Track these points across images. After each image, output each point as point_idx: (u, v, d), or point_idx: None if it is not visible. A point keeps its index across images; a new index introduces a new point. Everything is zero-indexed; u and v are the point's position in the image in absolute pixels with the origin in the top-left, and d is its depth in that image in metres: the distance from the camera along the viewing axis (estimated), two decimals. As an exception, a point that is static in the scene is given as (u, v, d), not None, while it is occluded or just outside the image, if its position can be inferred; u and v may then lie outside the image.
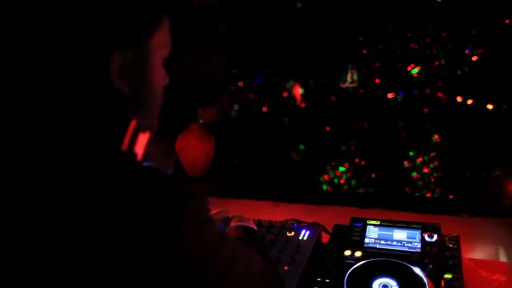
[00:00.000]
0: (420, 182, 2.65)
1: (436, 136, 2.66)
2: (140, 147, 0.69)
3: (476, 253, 1.35)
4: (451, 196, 2.46)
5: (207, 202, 0.69)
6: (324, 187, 2.76)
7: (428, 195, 2.57)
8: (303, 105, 2.93)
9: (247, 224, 1.09)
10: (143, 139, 0.70)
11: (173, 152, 0.79)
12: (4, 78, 0.66)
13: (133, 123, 0.69)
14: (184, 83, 2.46)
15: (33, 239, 0.61)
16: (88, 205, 0.60)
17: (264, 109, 3.01)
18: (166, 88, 0.79)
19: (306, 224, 1.35)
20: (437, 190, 2.60)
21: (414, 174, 2.67)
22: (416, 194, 2.60)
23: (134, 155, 0.69)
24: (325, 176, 2.81)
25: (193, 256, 0.64)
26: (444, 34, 2.52)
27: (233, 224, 1.10)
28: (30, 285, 0.61)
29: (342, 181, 2.78)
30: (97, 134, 0.67)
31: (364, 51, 2.74)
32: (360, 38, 2.69)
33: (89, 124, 0.66)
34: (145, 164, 0.71)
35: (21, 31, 0.63)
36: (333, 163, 2.83)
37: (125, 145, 0.67)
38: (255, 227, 1.11)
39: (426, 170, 2.66)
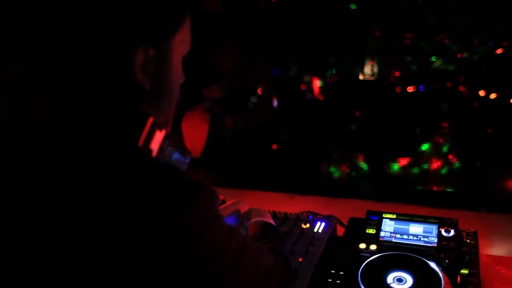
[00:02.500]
0: (437, 177, 2.62)
1: (455, 130, 2.62)
2: (155, 144, 0.70)
3: (494, 249, 1.33)
4: (469, 191, 2.42)
5: (216, 197, 0.69)
6: (338, 178, 2.75)
7: (446, 190, 2.54)
8: (321, 97, 2.92)
9: (266, 219, 1.09)
10: (159, 136, 0.71)
11: (188, 150, 0.80)
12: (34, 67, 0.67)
13: (151, 120, 0.69)
14: (188, 65, 2.47)
15: (37, 228, 0.62)
16: (97, 197, 0.62)
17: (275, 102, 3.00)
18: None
19: (322, 217, 1.35)
20: (455, 185, 2.56)
21: (428, 167, 2.64)
22: (434, 188, 2.57)
23: (150, 151, 0.70)
24: (343, 168, 2.80)
25: (199, 250, 0.64)
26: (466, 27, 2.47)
27: (253, 219, 1.10)
28: (36, 277, 0.63)
29: (357, 174, 2.77)
30: (117, 126, 0.68)
31: (384, 44, 2.71)
32: (378, 34, 2.66)
33: (111, 115, 0.68)
34: (159, 161, 0.72)
35: (56, 19, 0.64)
36: (349, 156, 2.81)
37: (141, 141, 0.68)
38: (273, 222, 1.11)
39: (445, 165, 2.63)
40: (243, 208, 1.20)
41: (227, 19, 2.61)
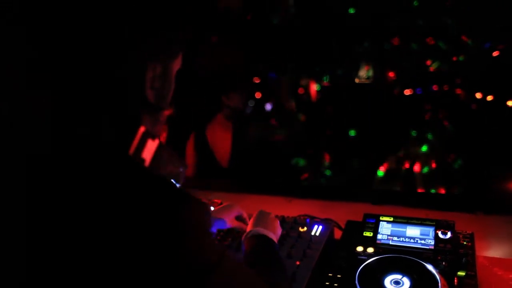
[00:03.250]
0: (433, 179, 2.62)
1: (452, 132, 2.63)
2: (148, 153, 0.72)
3: (491, 251, 1.33)
4: (466, 193, 2.42)
5: (208, 212, 0.70)
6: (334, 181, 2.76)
7: (443, 192, 2.54)
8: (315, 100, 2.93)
9: (265, 232, 1.07)
10: (152, 146, 0.72)
11: (183, 161, 0.81)
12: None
13: (142, 129, 0.71)
14: (205, 74, 2.49)
15: (35, 236, 0.63)
16: (87, 204, 0.63)
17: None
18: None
19: (319, 220, 1.35)
20: (452, 187, 2.56)
21: (427, 170, 2.64)
22: (432, 190, 2.58)
23: (142, 160, 0.71)
24: (339, 172, 2.80)
25: (187, 263, 0.64)
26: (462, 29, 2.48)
27: (249, 228, 1.10)
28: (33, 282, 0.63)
29: (354, 177, 2.77)
30: (113, 137, 0.70)
31: (380, 47, 2.72)
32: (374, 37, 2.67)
33: (116, 126, 0.70)
34: (153, 171, 0.73)
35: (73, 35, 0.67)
36: (345, 159, 2.81)
37: (132, 149, 0.69)
38: (275, 233, 1.09)
39: (441, 167, 2.63)
40: (233, 212, 1.19)
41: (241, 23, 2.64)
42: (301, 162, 2.84)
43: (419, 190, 2.60)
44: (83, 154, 0.66)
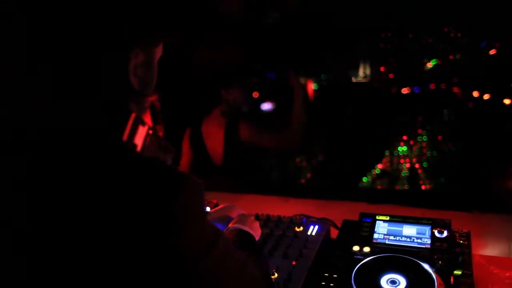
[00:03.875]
0: (430, 177, 2.63)
1: (449, 131, 2.63)
2: (139, 139, 0.73)
3: (488, 249, 1.33)
4: (462, 192, 2.42)
5: (202, 189, 0.71)
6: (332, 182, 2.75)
7: (439, 190, 2.54)
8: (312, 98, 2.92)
9: (245, 228, 1.07)
10: (142, 131, 0.74)
11: (171, 148, 0.83)
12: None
13: (133, 115, 0.73)
14: (204, 67, 2.47)
15: (32, 226, 0.63)
16: (85, 191, 0.64)
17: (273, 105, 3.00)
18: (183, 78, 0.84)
19: (315, 219, 1.35)
20: (449, 186, 2.57)
21: (426, 166, 2.64)
22: (427, 189, 2.58)
23: (134, 146, 0.73)
24: (335, 171, 2.80)
25: (185, 244, 0.66)
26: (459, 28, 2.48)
27: (231, 225, 1.09)
28: (32, 277, 0.63)
29: (351, 176, 2.77)
30: (107, 123, 0.71)
31: (377, 46, 2.72)
32: (374, 33, 2.67)
33: (105, 114, 0.71)
34: (144, 155, 0.75)
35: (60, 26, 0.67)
36: (344, 158, 2.81)
37: (125, 135, 0.71)
38: (254, 232, 1.08)
39: (437, 165, 2.63)
40: (235, 213, 1.19)
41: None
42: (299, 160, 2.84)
43: (416, 189, 2.61)
44: (77, 143, 0.68)
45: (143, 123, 0.74)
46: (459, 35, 2.47)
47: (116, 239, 0.62)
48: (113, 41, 0.69)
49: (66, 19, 0.67)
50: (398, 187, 2.68)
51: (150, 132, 0.76)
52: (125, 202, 0.63)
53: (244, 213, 1.19)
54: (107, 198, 0.63)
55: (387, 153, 2.72)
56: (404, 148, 2.68)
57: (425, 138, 2.64)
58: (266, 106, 2.97)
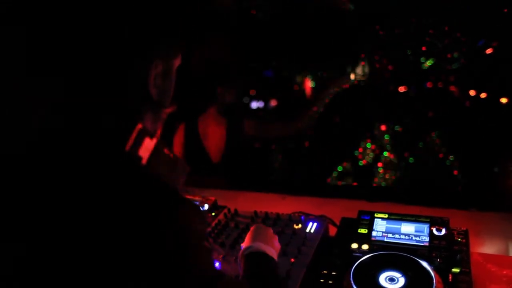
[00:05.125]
0: (429, 176, 2.63)
1: (446, 129, 2.63)
2: (145, 151, 0.71)
3: (485, 247, 1.33)
4: (460, 190, 2.43)
5: (200, 213, 0.70)
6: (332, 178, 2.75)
7: (438, 188, 2.55)
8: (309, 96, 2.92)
9: (264, 250, 0.98)
10: (149, 144, 0.71)
11: (186, 167, 0.79)
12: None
13: (139, 126, 0.71)
14: (200, 65, 2.46)
15: (32, 229, 0.63)
16: (82, 196, 0.63)
17: (273, 102, 3.00)
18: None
19: (314, 217, 1.35)
20: (447, 184, 2.57)
21: (426, 162, 2.65)
22: (425, 187, 2.58)
23: (139, 158, 0.70)
24: (334, 169, 2.80)
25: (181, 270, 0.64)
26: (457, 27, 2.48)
27: (247, 244, 1.00)
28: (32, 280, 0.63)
29: (350, 175, 2.77)
30: (115, 132, 0.70)
31: (375, 44, 2.71)
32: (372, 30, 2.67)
33: (118, 122, 0.71)
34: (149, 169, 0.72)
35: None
36: (342, 156, 2.81)
37: (128, 146, 0.69)
38: (274, 251, 0.99)
39: (436, 164, 2.64)
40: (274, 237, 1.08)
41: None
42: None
43: (414, 187, 2.61)
44: (79, 149, 0.67)
45: (151, 136, 0.72)
46: (458, 34, 2.47)
47: (103, 253, 0.61)
48: (135, 53, 0.70)
49: (88, 31, 0.67)
50: (396, 185, 2.68)
51: (162, 147, 0.73)
52: (112, 219, 0.62)
53: (261, 225, 1.11)
54: (94, 210, 0.62)
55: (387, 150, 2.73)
56: (405, 146, 2.69)
57: (439, 132, 2.63)
58: (259, 104, 2.97)
